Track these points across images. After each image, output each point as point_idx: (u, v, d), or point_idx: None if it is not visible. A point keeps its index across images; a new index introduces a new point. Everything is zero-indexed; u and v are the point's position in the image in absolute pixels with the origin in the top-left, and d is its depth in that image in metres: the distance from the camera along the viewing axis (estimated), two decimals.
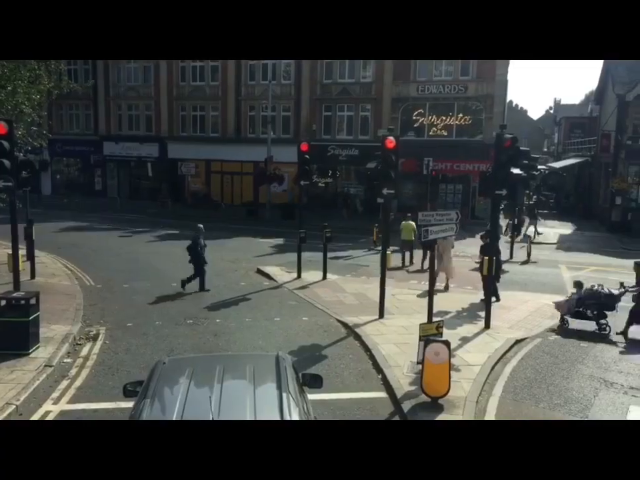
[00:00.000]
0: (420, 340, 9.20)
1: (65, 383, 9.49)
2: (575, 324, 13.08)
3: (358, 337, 11.85)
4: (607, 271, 20.48)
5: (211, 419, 4.59)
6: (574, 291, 13.49)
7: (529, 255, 22.72)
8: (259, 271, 18.27)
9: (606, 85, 37.72)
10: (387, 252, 13.81)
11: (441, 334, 9.27)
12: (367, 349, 11.08)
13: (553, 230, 32.44)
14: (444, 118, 34.16)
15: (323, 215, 30.20)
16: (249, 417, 4.69)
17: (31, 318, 10.35)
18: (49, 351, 10.46)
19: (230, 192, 39.27)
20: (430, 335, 9.07)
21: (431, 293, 10.70)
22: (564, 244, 27.99)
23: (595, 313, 12.82)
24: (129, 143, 40.99)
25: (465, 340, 11.58)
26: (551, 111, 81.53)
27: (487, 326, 12.44)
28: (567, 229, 33.40)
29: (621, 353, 11.59)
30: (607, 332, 12.64)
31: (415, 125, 34.68)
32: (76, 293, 15.11)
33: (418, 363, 9.27)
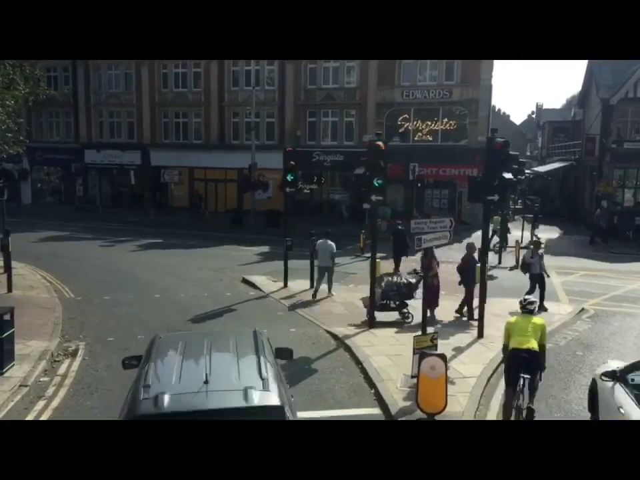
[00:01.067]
0: (414, 353, 8.83)
1: (41, 403, 8.99)
2: (380, 316, 13.38)
3: (348, 349, 11.47)
4: (596, 275, 20.34)
5: (204, 378, 5.27)
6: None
7: (517, 260, 22.49)
8: (245, 281, 17.82)
9: (589, 88, 37.84)
10: (377, 260, 13.42)
11: (435, 346, 8.93)
12: (358, 362, 10.70)
13: (539, 234, 32.31)
14: (429, 123, 34.01)
15: (309, 222, 29.93)
16: (234, 375, 5.51)
17: (5, 335, 9.83)
18: (24, 370, 9.95)
19: (214, 199, 38.77)
20: (424, 347, 8.72)
21: (424, 305, 10.34)
22: (551, 248, 27.85)
23: (397, 303, 13.42)
24: (110, 151, 40.33)
25: (458, 350, 11.25)
26: (533, 116, 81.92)
27: (480, 335, 12.12)
28: (553, 233, 33.34)
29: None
30: (409, 320, 13.28)
31: (400, 130, 34.46)
32: (55, 306, 14.56)
33: (412, 377, 8.90)
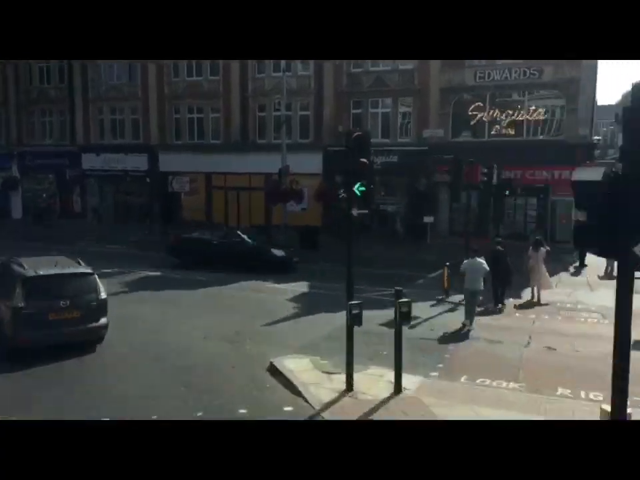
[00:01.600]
0: None
1: None
2: None
3: None
4: None
5: (55, 264, 11.49)
6: None
7: None
8: (274, 370, 10.14)
9: None
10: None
11: None
12: None
13: None
14: (510, 112, 26.20)
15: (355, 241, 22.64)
16: (70, 265, 11.73)
17: None
18: None
19: (235, 212, 31.53)
20: None
21: None
22: None
23: None
24: (112, 155, 33.45)
25: None
26: None
27: None
28: None
29: None
30: None
31: (472, 123, 26.80)
32: None
33: None
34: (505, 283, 15.00)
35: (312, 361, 10.38)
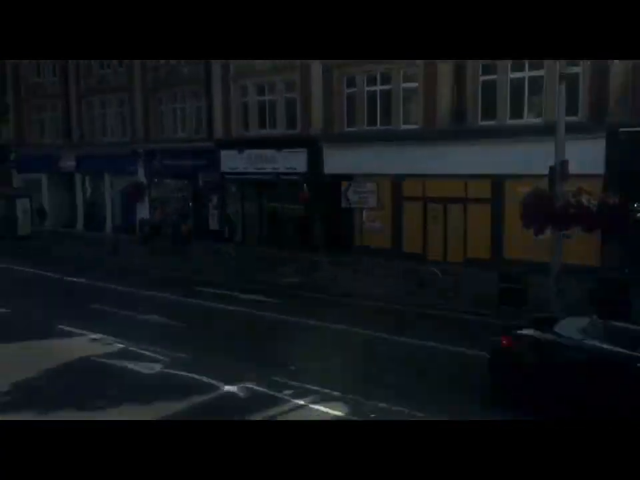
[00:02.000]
0: None
1: None
2: None
3: None
4: None
5: None
6: None
7: None
8: None
9: None
10: None
11: None
12: None
13: None
14: None
15: None
16: None
17: None
18: None
19: (440, 237, 19.98)
20: None
21: None
22: None
23: None
24: (259, 151, 23.57)
25: None
26: None
27: None
28: None
29: None
30: None
31: None
32: None
33: None
34: None
35: None
